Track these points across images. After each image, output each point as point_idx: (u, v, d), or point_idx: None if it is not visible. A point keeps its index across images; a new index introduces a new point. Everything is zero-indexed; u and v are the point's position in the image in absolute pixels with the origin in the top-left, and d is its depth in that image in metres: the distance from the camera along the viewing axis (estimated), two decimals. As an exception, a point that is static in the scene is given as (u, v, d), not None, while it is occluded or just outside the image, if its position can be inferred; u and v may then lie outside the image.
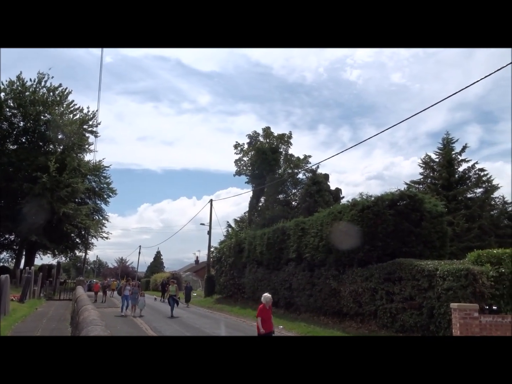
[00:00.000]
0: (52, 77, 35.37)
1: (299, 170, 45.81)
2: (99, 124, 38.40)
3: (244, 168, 48.01)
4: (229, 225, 48.84)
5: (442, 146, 31.40)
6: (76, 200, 37.93)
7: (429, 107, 12.89)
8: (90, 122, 37.59)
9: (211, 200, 36.42)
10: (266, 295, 9.26)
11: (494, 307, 10.71)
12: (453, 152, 30.82)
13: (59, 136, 36.66)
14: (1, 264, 40.52)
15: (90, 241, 44.28)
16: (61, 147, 37.20)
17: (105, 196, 42.59)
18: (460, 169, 30.60)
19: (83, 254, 48.30)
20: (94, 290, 31.92)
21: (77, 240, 43.42)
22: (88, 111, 37.42)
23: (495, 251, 11.88)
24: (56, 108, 35.61)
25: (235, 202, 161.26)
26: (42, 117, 35.09)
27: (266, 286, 21.92)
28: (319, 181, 37.94)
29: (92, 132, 38.31)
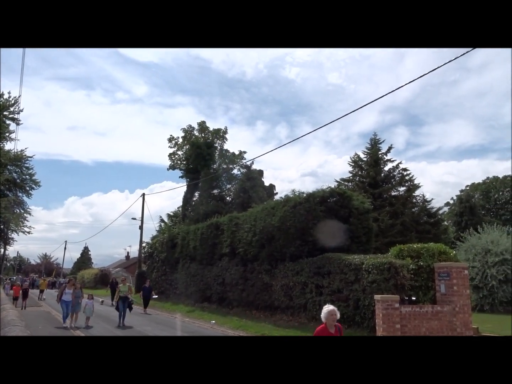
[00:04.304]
0: (-33, 57, 32.41)
1: (234, 166, 45.92)
2: (21, 110, 35.77)
3: (179, 162, 47.22)
4: (162, 220, 47.93)
5: (370, 146, 33.01)
6: (-6, 191, 35.14)
7: (359, 108, 13.47)
8: (12, 109, 34.92)
9: (143, 194, 35.47)
10: (329, 307, 5.62)
11: (413, 298, 11.49)
12: (379, 152, 32.52)
13: (-25, 123, 33.69)
14: None
15: (10, 236, 41.33)
16: (-23, 134, 34.21)
17: (28, 188, 39.88)
18: (386, 168, 32.37)
19: (2, 250, 44.96)
20: (13, 295, 22.84)
21: (-5, 234, 40.31)
22: (10, 97, 34.76)
23: (415, 246, 12.72)
24: (-28, 91, 32.70)
25: (169, 196, 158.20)
26: (-45, 101, 32.06)
27: (199, 282, 21.82)
28: (253, 177, 38.34)
29: (13, 119, 35.60)
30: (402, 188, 31.92)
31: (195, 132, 46.84)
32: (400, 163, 32.38)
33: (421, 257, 12.14)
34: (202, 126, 46.95)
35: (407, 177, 31.90)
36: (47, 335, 11.87)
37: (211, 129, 47.14)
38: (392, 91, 12.00)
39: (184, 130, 46.65)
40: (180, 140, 46.86)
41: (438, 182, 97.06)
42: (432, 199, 32.68)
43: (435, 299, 11.54)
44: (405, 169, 32.15)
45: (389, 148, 32.78)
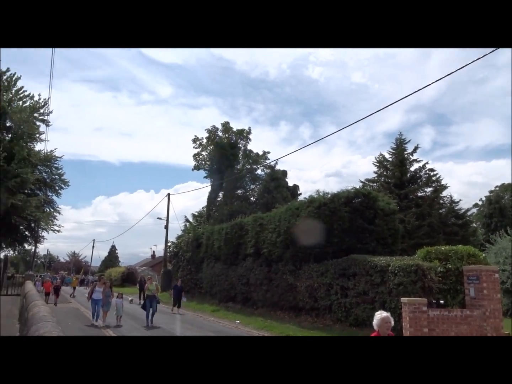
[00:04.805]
0: (-1, 61, 33.55)
1: (258, 166, 46.02)
2: (51, 112, 36.74)
3: (203, 162, 47.65)
4: (187, 220, 48.43)
5: (395, 146, 32.54)
6: (26, 191, 36.22)
7: (384, 108, 13.36)
8: (41, 110, 35.91)
9: (168, 194, 35.94)
10: (382, 314, 4.91)
11: (441, 301, 11.29)
12: (405, 152, 32.03)
13: (7, 124, 34.82)
14: None
15: (40, 234, 42.41)
16: (10, 135, 35.37)
17: (57, 188, 40.94)
18: (412, 168, 31.87)
19: (33, 247, 46.28)
20: (44, 291, 23.20)
21: (26, 233, 41.41)
22: (40, 99, 35.73)
23: (443, 248, 12.49)
24: (4, 94, 33.78)
25: (194, 196, 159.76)
26: (-12, 103, 33.18)
27: (224, 281, 21.97)
28: (277, 177, 38.34)
29: (43, 121, 36.60)
30: (428, 189, 31.42)
31: (219, 132, 47.19)
32: (427, 163, 31.89)
33: (449, 260, 11.91)
34: (226, 126, 47.26)
35: (434, 178, 31.34)
36: (75, 334, 12.20)
37: (234, 129, 47.43)
38: (418, 90, 11.84)
39: (208, 131, 47.08)
40: (204, 140, 47.29)
41: (466, 182, 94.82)
42: (460, 200, 32.14)
43: (464, 303, 11.29)
44: (431, 170, 31.61)
45: (415, 148, 32.27)
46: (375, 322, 4.90)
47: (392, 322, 4.94)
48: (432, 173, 31.45)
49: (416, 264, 11.61)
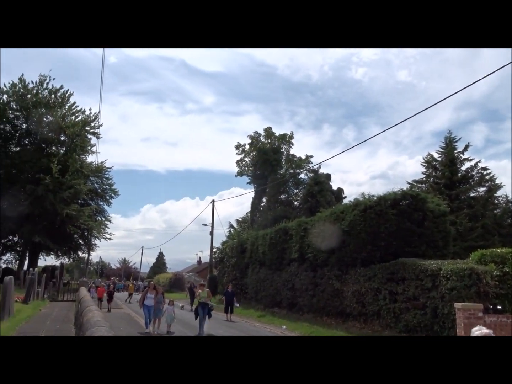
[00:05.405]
0: (54, 79, 35.64)
1: (301, 170, 45.79)
2: (101, 125, 38.48)
3: (246, 168, 48.07)
4: (232, 226, 48.88)
5: (444, 145, 31.35)
6: (79, 201, 38.06)
7: (431, 106, 12.87)
8: (92, 124, 37.69)
9: (213, 201, 36.44)
10: (482, 330, 4.08)
11: (498, 307, 10.69)
12: (455, 151, 30.76)
13: (62, 138, 36.83)
14: (5, 265, 40.54)
15: (93, 242, 44.41)
16: (64, 148, 37.37)
17: (108, 197, 42.78)
18: (463, 168, 30.55)
19: (86, 255, 48.42)
20: (97, 296, 23.43)
21: (80, 241, 43.55)
22: (90, 113, 37.55)
23: (499, 251, 11.84)
24: (58, 110, 35.75)
25: (237, 202, 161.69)
26: (44, 119, 35.22)
27: (269, 287, 21.93)
28: (321, 181, 37.90)
29: (94, 134, 38.40)
30: (481, 189, 29.98)
31: (261, 138, 47.47)
32: (479, 161, 30.44)
33: (506, 263, 11.25)
34: (268, 132, 47.46)
35: (487, 177, 29.87)
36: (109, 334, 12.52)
37: (277, 134, 47.52)
38: (468, 85, 11.34)
39: (251, 137, 47.45)
40: (247, 146, 47.72)
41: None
42: (517, 199, 30.28)
43: (524, 309, 10.63)
44: (484, 168, 30.14)
45: (466, 147, 30.89)
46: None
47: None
48: (485, 172, 30.00)
49: (470, 268, 11.05)
